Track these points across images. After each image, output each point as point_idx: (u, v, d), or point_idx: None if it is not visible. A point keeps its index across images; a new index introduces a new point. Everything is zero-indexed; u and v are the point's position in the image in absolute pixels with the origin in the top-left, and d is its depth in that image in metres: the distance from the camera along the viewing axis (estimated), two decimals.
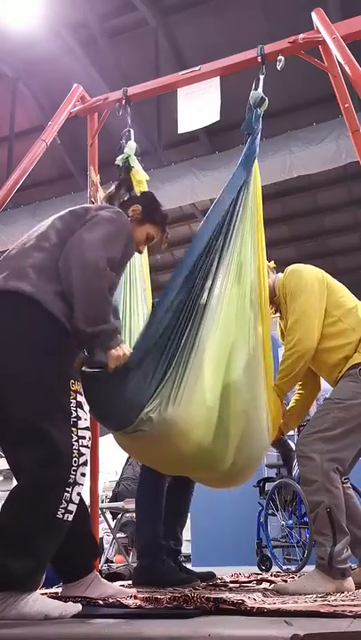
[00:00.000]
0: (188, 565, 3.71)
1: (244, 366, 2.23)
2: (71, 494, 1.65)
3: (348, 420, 2.31)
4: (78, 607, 1.60)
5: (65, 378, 1.78)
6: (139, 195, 2.41)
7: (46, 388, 1.72)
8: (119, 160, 3.05)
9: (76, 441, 1.70)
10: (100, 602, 1.85)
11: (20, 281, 1.79)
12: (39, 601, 1.56)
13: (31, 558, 1.58)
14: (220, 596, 1.67)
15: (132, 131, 3.34)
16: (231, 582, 2.71)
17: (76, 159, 8.93)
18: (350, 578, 2.18)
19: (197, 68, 3.26)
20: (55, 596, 1.98)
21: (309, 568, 2.44)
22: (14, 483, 1.74)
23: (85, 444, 1.73)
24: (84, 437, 1.73)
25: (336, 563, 2.14)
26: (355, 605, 1.56)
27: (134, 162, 3.02)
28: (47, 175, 9.38)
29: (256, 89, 2.86)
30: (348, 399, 2.35)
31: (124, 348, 1.90)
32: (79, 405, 1.76)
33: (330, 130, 7.03)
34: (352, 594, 2.03)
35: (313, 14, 3.00)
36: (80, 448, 1.71)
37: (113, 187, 2.41)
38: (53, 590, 2.44)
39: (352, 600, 1.76)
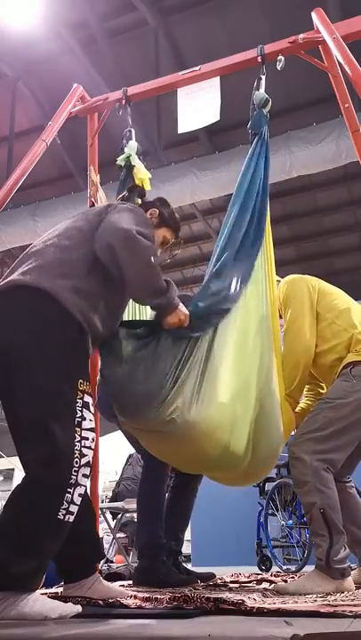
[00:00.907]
0: (188, 565, 3.71)
1: (260, 369, 2.31)
2: (72, 495, 1.64)
3: (339, 419, 2.31)
4: (78, 608, 1.59)
5: (74, 377, 1.76)
6: (152, 199, 2.45)
7: (55, 385, 1.72)
8: (120, 160, 3.07)
9: (79, 441, 1.69)
10: (101, 602, 1.85)
11: (37, 276, 1.79)
12: (39, 601, 1.55)
13: (32, 558, 1.57)
14: (220, 595, 1.67)
15: (132, 130, 3.34)
16: (231, 582, 2.71)
17: (76, 159, 8.93)
18: (350, 578, 2.18)
19: (197, 68, 3.26)
20: (55, 596, 1.98)
21: (309, 568, 2.44)
22: (14, 483, 1.75)
23: (88, 444, 1.72)
24: (87, 438, 1.72)
25: (334, 563, 2.14)
26: (355, 605, 1.56)
27: (135, 160, 3.04)
28: (47, 175, 9.38)
29: (258, 89, 2.88)
30: (339, 398, 2.35)
31: (182, 310, 2.00)
32: (85, 406, 1.75)
33: (330, 130, 7.03)
34: (352, 594, 2.03)
35: (313, 14, 3.00)
36: (82, 449, 1.69)
37: (126, 191, 2.44)
38: (53, 590, 2.44)
39: (352, 600, 1.76)
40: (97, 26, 7.59)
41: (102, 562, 5.14)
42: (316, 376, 2.69)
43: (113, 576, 3.15)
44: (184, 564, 2.96)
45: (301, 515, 4.29)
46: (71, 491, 1.64)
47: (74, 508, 1.64)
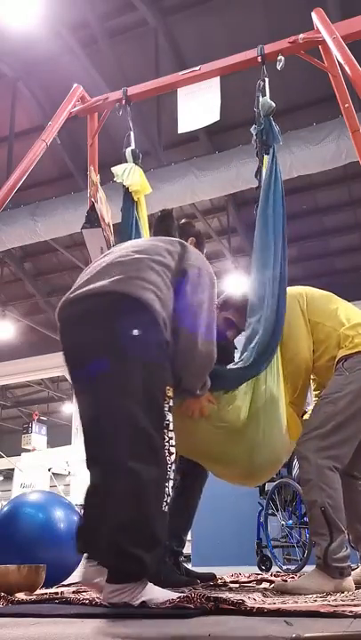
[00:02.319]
0: (188, 565, 3.71)
1: (269, 373, 2.44)
2: (168, 489, 1.81)
3: (337, 413, 2.32)
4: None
5: (164, 383, 1.91)
6: (187, 226, 2.59)
7: (150, 391, 1.84)
8: (118, 179, 3.14)
9: (167, 442, 1.85)
10: (102, 601, 1.85)
11: (137, 288, 1.89)
12: (156, 589, 1.72)
13: (157, 548, 1.74)
14: (220, 595, 1.66)
15: (132, 134, 3.36)
16: (231, 582, 2.71)
17: (76, 159, 8.92)
18: (350, 577, 2.17)
19: (197, 68, 3.27)
20: (56, 597, 1.98)
21: (309, 568, 2.44)
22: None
23: (173, 444, 1.88)
24: (172, 438, 1.88)
25: (332, 561, 2.14)
26: (355, 605, 1.56)
27: (128, 178, 3.11)
28: (47, 175, 9.38)
29: (263, 94, 2.90)
30: (335, 392, 2.37)
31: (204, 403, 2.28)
32: (169, 410, 1.90)
33: (330, 130, 7.02)
34: (352, 594, 2.03)
35: (313, 14, 3.00)
36: (170, 447, 1.86)
37: (160, 217, 2.53)
38: (53, 590, 2.44)
39: (352, 600, 1.76)
40: (97, 26, 7.59)
41: None
42: (321, 382, 2.69)
43: None
44: (184, 564, 2.96)
45: (301, 515, 4.29)
46: (168, 485, 1.81)
47: (169, 500, 1.81)
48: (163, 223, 2.47)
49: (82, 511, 1.90)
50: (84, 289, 1.95)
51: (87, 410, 1.91)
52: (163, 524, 1.77)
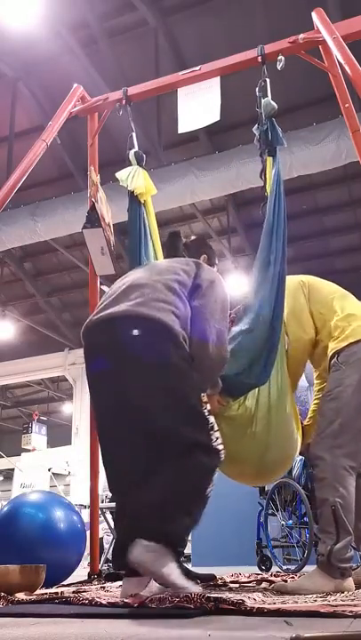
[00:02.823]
0: (188, 565, 3.71)
1: (279, 373, 2.51)
2: (213, 479, 1.99)
3: (342, 408, 2.32)
4: (199, 588, 1.88)
5: (199, 391, 2.10)
6: (197, 243, 2.67)
7: (190, 399, 2.03)
8: (122, 183, 3.22)
9: (215, 441, 2.01)
10: (102, 601, 1.85)
11: (157, 311, 2.02)
12: (176, 571, 1.85)
13: (192, 525, 1.95)
14: (220, 595, 1.67)
15: (134, 136, 3.36)
16: (231, 582, 2.71)
17: (76, 159, 8.92)
18: (350, 578, 2.17)
19: (197, 68, 3.27)
20: (56, 597, 1.98)
21: (309, 568, 2.44)
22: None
23: (220, 442, 2.04)
24: (218, 438, 2.04)
25: (336, 561, 2.14)
26: (355, 605, 1.56)
27: (132, 183, 3.18)
28: (47, 175, 9.38)
29: (265, 95, 2.90)
30: (336, 387, 2.38)
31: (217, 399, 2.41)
32: (208, 412, 2.08)
33: (330, 130, 7.02)
34: (352, 594, 2.02)
35: (313, 14, 3.00)
36: (217, 446, 2.02)
37: (169, 239, 2.63)
38: (53, 590, 2.44)
39: (352, 600, 1.76)
40: (97, 26, 7.59)
41: (102, 562, 5.15)
42: (321, 374, 2.69)
43: (113, 576, 3.15)
44: (184, 564, 2.96)
45: (301, 515, 4.29)
46: (215, 475, 2.00)
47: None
48: (172, 244, 2.57)
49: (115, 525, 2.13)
50: (107, 312, 2.08)
51: (122, 427, 2.04)
52: (203, 504, 1.95)
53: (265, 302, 2.49)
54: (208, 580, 2.74)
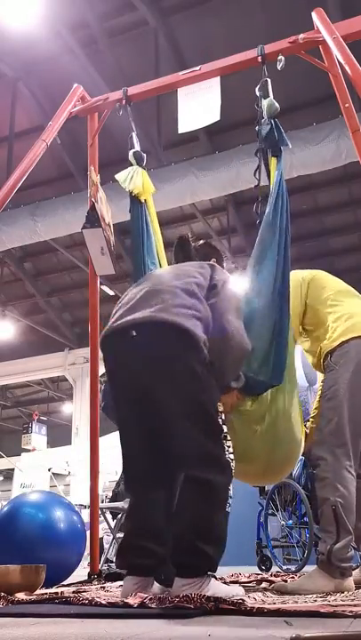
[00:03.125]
0: None
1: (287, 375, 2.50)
2: (231, 492, 2.03)
3: (339, 405, 2.33)
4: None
5: (215, 399, 2.14)
6: (206, 247, 2.69)
7: (205, 408, 2.04)
8: (122, 185, 3.24)
9: (226, 451, 2.07)
10: (102, 601, 1.85)
11: (179, 316, 2.04)
12: (218, 583, 1.90)
13: (221, 547, 1.93)
14: (220, 596, 1.67)
15: (134, 136, 3.36)
16: (231, 582, 2.71)
17: (76, 159, 8.92)
18: (350, 578, 2.17)
19: (197, 68, 3.27)
20: (56, 597, 1.98)
21: (309, 568, 2.44)
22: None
23: (231, 451, 2.12)
24: (230, 447, 2.12)
25: (336, 560, 2.14)
26: (355, 605, 1.56)
27: (132, 184, 3.19)
28: (47, 175, 9.38)
29: (266, 95, 2.90)
30: (331, 387, 2.40)
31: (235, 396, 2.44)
32: (223, 422, 2.13)
33: (330, 130, 7.03)
34: (352, 594, 2.03)
35: (313, 14, 3.00)
36: (229, 455, 2.09)
37: (179, 245, 2.63)
38: (53, 590, 2.44)
39: (352, 600, 1.76)
40: (97, 26, 7.59)
41: (102, 562, 5.15)
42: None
43: (113, 576, 3.15)
44: None
45: (301, 515, 4.29)
46: (230, 489, 2.03)
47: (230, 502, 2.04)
48: (182, 249, 2.59)
49: (125, 527, 2.12)
50: (128, 318, 2.10)
51: (143, 431, 2.10)
52: (226, 524, 1.98)
53: (269, 303, 2.50)
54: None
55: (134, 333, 2.05)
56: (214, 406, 2.09)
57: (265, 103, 2.91)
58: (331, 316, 2.53)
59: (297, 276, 2.71)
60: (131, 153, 3.35)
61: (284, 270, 2.55)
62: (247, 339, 2.20)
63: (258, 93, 3.00)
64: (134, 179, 3.21)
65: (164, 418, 2.03)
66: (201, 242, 2.69)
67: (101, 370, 2.62)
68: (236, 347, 2.15)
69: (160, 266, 3.08)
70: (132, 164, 3.34)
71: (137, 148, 3.39)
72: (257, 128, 2.90)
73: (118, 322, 2.13)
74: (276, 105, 2.88)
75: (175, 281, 2.20)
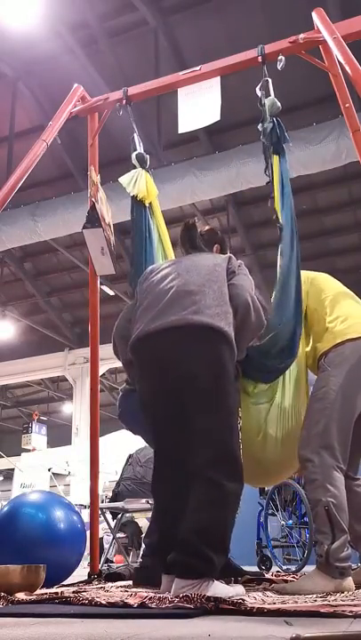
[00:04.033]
0: None
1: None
2: (239, 503, 2.07)
3: (327, 407, 2.33)
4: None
5: (237, 405, 2.23)
6: (210, 233, 2.74)
7: (231, 412, 2.12)
8: (127, 189, 3.24)
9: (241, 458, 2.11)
10: (102, 601, 1.85)
11: (212, 317, 2.12)
12: (220, 586, 1.90)
13: (224, 555, 1.97)
14: (220, 596, 1.67)
15: (136, 137, 3.36)
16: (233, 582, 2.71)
17: (76, 159, 8.93)
18: (350, 577, 2.17)
19: (198, 67, 3.27)
20: (56, 597, 1.98)
21: (309, 568, 2.44)
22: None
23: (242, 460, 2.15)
24: (241, 455, 2.14)
25: (334, 560, 2.14)
26: (355, 605, 1.56)
27: (136, 187, 3.20)
28: (47, 175, 9.38)
29: (268, 94, 2.91)
30: (321, 388, 2.39)
31: None
32: (240, 430, 2.22)
33: (330, 130, 7.03)
34: (352, 594, 2.02)
35: (313, 14, 2.99)
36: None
37: (185, 229, 2.65)
38: (53, 590, 2.44)
39: (352, 600, 1.76)
40: (97, 26, 7.59)
41: (102, 562, 5.15)
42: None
43: (113, 576, 3.15)
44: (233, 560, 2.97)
45: (301, 515, 4.29)
46: (240, 499, 2.07)
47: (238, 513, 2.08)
48: (187, 234, 2.61)
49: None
50: (163, 322, 2.15)
51: (171, 431, 2.16)
52: (230, 533, 2.00)
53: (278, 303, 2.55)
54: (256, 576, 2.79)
55: (172, 336, 2.13)
56: (237, 411, 2.20)
57: (267, 102, 2.91)
58: (328, 317, 2.54)
59: (302, 276, 2.71)
60: (133, 155, 3.34)
61: (297, 266, 2.60)
62: (262, 313, 2.30)
63: (259, 93, 3.00)
64: (138, 182, 3.20)
65: (194, 417, 2.06)
66: (206, 228, 2.72)
67: (101, 370, 2.63)
68: (256, 318, 2.25)
69: None
70: (134, 166, 3.34)
71: (139, 149, 3.38)
72: (260, 127, 2.90)
73: (152, 324, 2.17)
74: (278, 104, 2.89)
75: (201, 278, 2.25)
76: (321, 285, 2.70)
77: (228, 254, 2.47)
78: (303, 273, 2.75)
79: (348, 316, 2.50)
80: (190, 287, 2.22)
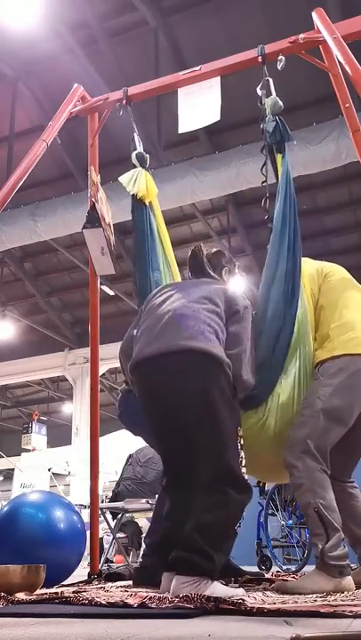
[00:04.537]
0: None
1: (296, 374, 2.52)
2: (243, 514, 2.14)
3: (313, 416, 2.31)
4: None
5: (238, 425, 2.27)
6: (218, 256, 2.74)
7: (231, 432, 2.16)
8: (127, 188, 3.23)
9: (243, 474, 2.18)
10: (102, 601, 1.85)
11: (208, 343, 2.15)
12: (219, 586, 1.92)
13: (225, 554, 2.06)
14: (220, 596, 1.67)
15: (136, 137, 3.36)
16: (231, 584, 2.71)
17: (76, 159, 8.93)
18: (350, 577, 2.17)
19: (198, 67, 3.27)
20: (56, 597, 1.98)
21: (309, 568, 2.44)
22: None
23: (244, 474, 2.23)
24: (244, 473, 2.22)
25: (330, 559, 2.13)
26: (355, 605, 1.56)
27: (135, 186, 3.18)
28: (47, 175, 9.39)
29: (269, 93, 2.90)
30: (309, 397, 2.38)
31: None
32: (240, 448, 2.26)
33: (330, 130, 7.03)
34: (352, 594, 2.02)
35: (313, 14, 2.99)
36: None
37: (192, 256, 2.68)
38: (53, 590, 2.44)
39: (352, 600, 1.76)
40: (97, 26, 7.59)
41: (102, 562, 5.15)
42: None
43: (113, 576, 3.15)
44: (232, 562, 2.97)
45: (302, 515, 4.29)
46: (243, 511, 2.12)
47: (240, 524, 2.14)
48: (195, 261, 2.65)
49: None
50: (157, 347, 2.19)
51: (174, 446, 2.24)
52: (232, 541, 2.07)
53: (275, 305, 2.50)
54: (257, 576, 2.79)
55: (167, 362, 2.16)
56: (237, 431, 2.24)
57: (269, 101, 2.90)
58: (333, 322, 2.48)
59: (313, 266, 2.66)
60: (133, 155, 3.34)
61: (294, 272, 2.54)
62: (252, 377, 2.30)
63: (260, 92, 3.00)
64: (138, 181, 3.20)
65: (193, 437, 2.11)
66: (213, 250, 2.73)
67: (101, 370, 2.64)
68: (241, 384, 2.26)
69: (168, 268, 3.09)
70: (134, 166, 3.34)
71: (139, 149, 3.38)
72: (261, 125, 2.90)
73: (148, 348, 2.22)
74: (280, 103, 2.88)
75: (197, 305, 2.28)
76: (334, 283, 2.63)
77: (237, 294, 2.45)
78: (317, 264, 2.70)
79: (354, 327, 2.44)
80: (186, 311, 2.26)
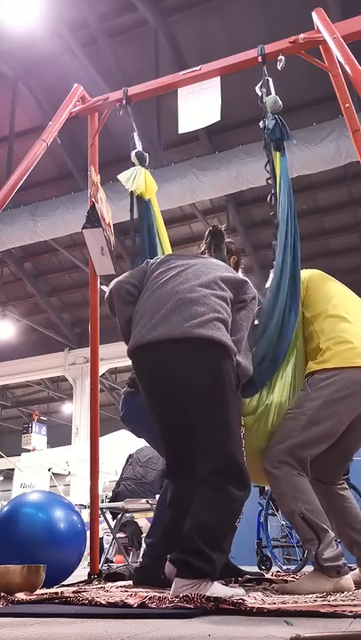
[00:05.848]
0: None
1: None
2: (242, 510, 2.08)
3: (296, 429, 2.30)
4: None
5: (241, 414, 2.23)
6: (232, 246, 2.81)
7: (235, 422, 2.12)
8: (126, 185, 3.23)
9: (245, 465, 2.10)
10: (102, 601, 1.85)
11: (214, 330, 2.11)
12: (219, 587, 1.91)
13: (224, 557, 1.99)
14: (219, 596, 1.67)
15: (135, 136, 3.36)
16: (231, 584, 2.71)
17: (76, 159, 8.93)
18: (349, 576, 2.17)
19: (198, 67, 3.27)
20: (56, 597, 1.98)
21: (310, 568, 2.44)
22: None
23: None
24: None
25: (325, 561, 2.13)
26: (355, 605, 1.56)
27: (134, 183, 3.19)
28: (47, 175, 9.38)
29: (269, 92, 2.91)
30: (295, 408, 2.36)
31: None
32: (243, 437, 2.19)
33: (330, 130, 7.03)
34: (352, 594, 2.02)
35: (313, 14, 2.99)
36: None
37: (212, 234, 2.73)
38: (53, 590, 2.44)
39: (352, 600, 1.76)
40: (97, 26, 7.59)
41: (102, 562, 5.15)
42: None
43: (113, 576, 3.15)
44: (232, 563, 2.97)
45: None
46: (243, 506, 2.07)
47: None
48: (215, 238, 2.67)
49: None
50: (162, 332, 2.13)
51: (178, 439, 2.20)
52: (232, 538, 2.02)
53: (276, 303, 2.50)
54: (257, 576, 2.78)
55: (175, 349, 2.11)
56: (240, 420, 2.20)
57: (268, 100, 2.91)
58: (323, 336, 2.44)
59: (303, 275, 2.65)
60: (133, 153, 3.35)
61: (294, 269, 2.56)
62: (250, 364, 2.27)
63: (259, 92, 3.01)
64: (137, 179, 3.21)
65: (197, 428, 2.07)
66: (228, 240, 2.77)
67: (101, 370, 2.63)
68: (241, 371, 2.22)
69: None
70: (134, 165, 3.34)
71: (139, 148, 3.39)
72: (261, 124, 2.90)
73: (154, 332, 2.15)
74: (280, 102, 2.89)
75: (206, 289, 2.22)
76: (319, 290, 2.60)
77: (245, 279, 2.41)
78: (305, 272, 2.71)
79: (345, 339, 2.39)
80: (195, 296, 2.19)
